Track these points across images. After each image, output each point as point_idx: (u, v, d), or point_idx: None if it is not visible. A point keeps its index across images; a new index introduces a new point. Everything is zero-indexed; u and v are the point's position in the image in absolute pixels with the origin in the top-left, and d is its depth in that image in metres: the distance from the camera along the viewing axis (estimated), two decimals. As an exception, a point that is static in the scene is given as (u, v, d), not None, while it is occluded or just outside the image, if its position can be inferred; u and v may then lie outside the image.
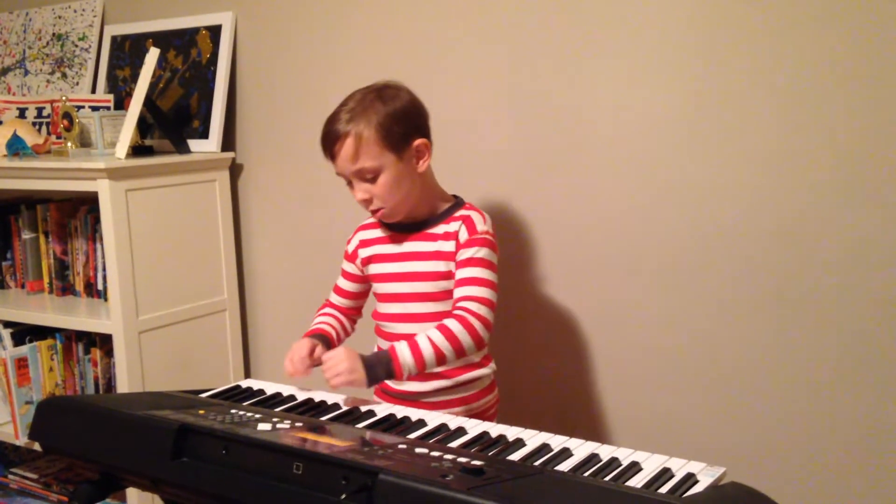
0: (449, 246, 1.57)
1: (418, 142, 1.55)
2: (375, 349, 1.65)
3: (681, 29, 1.75)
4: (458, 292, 1.53)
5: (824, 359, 1.69)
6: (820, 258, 1.67)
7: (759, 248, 1.72)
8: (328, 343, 1.63)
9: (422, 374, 1.49)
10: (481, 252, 1.55)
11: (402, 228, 1.62)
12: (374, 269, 1.65)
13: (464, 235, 1.56)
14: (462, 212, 1.60)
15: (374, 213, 1.58)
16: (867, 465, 1.67)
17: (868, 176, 1.61)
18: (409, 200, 1.58)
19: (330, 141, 1.54)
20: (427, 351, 1.45)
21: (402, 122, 1.53)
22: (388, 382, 1.64)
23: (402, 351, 1.46)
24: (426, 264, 1.59)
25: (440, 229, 1.59)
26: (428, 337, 1.46)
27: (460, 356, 1.48)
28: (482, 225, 1.58)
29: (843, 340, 1.67)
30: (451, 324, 1.47)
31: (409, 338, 1.49)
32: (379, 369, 1.45)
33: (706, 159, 1.75)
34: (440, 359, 1.47)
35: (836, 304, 1.66)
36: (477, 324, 1.48)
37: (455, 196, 1.66)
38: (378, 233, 1.66)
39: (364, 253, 1.67)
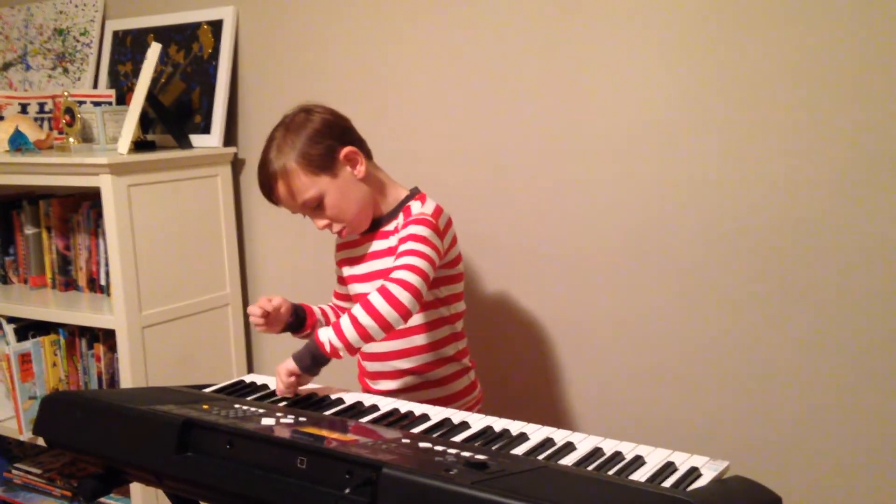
0: (394, 240, 1.57)
1: (344, 151, 1.55)
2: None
3: (690, 15, 1.74)
4: (393, 265, 1.49)
5: (831, 353, 1.69)
6: (828, 253, 1.66)
7: (766, 244, 1.72)
8: (303, 313, 1.65)
9: (352, 349, 1.43)
10: (415, 229, 1.52)
11: (366, 230, 1.64)
12: (345, 271, 1.68)
13: (402, 222, 1.57)
14: (405, 203, 1.60)
15: (339, 234, 1.60)
16: (872, 459, 1.67)
17: (882, 170, 1.60)
18: (364, 210, 1.59)
19: (266, 189, 1.57)
20: (349, 330, 1.41)
21: (319, 142, 1.54)
22: (368, 382, 1.68)
23: (329, 336, 1.43)
24: (382, 262, 1.59)
25: (391, 225, 1.60)
26: (351, 314, 1.43)
27: (386, 329, 1.42)
28: (420, 208, 1.57)
29: (850, 335, 1.66)
30: (373, 296, 1.42)
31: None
32: (306, 358, 1.43)
33: (714, 154, 1.75)
34: (363, 335, 1.41)
35: (844, 300, 1.66)
36: (399, 291, 1.41)
37: (410, 189, 1.65)
38: (349, 237, 1.66)
39: (338, 257, 1.70)
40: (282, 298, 1.60)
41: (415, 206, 1.58)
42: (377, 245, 1.61)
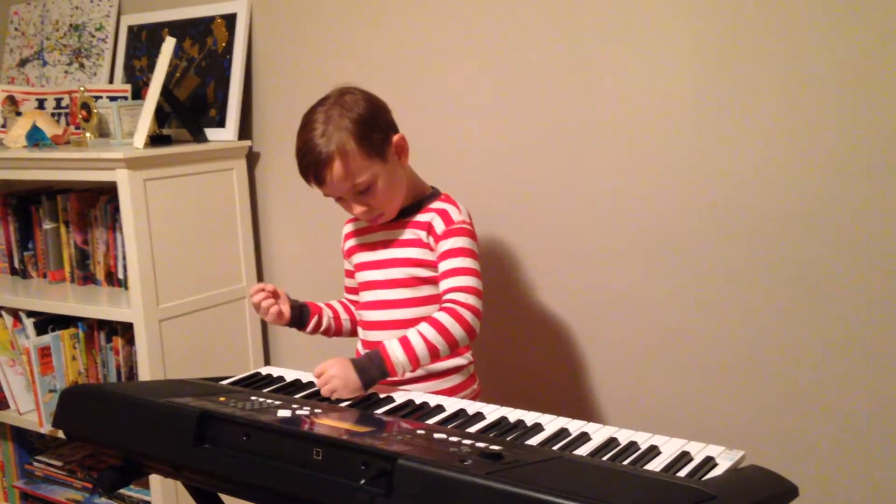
0: (423, 234, 1.57)
1: (396, 137, 1.55)
2: (358, 344, 1.67)
3: (703, 15, 1.73)
4: (444, 284, 1.51)
5: (847, 344, 1.68)
6: (837, 240, 1.65)
7: (777, 232, 1.71)
8: (305, 310, 1.66)
9: (417, 366, 1.46)
10: (460, 241, 1.53)
11: None
12: (357, 258, 1.66)
13: (440, 227, 1.55)
14: (438, 204, 1.59)
15: (373, 220, 1.58)
16: (888, 449, 1.66)
17: (887, 160, 1.59)
18: (402, 197, 1.58)
19: (316, 169, 1.49)
20: (419, 346, 1.44)
21: (374, 125, 1.52)
22: None
23: (394, 348, 1.44)
24: (399, 251, 1.59)
25: (416, 217, 1.59)
26: (419, 332, 1.45)
27: (453, 348, 1.46)
28: (458, 215, 1.57)
29: (863, 323, 1.65)
30: (441, 316, 1.45)
31: (384, 330, 1.50)
32: (373, 371, 1.43)
33: (719, 143, 1.74)
34: (433, 352, 1.45)
35: (854, 287, 1.65)
36: (467, 314, 1.46)
37: (432, 187, 1.66)
38: (362, 223, 1.65)
39: (349, 244, 1.69)
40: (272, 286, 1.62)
41: (452, 211, 1.57)
42: (396, 234, 1.60)
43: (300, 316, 1.66)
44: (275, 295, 1.62)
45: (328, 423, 1.18)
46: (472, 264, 1.52)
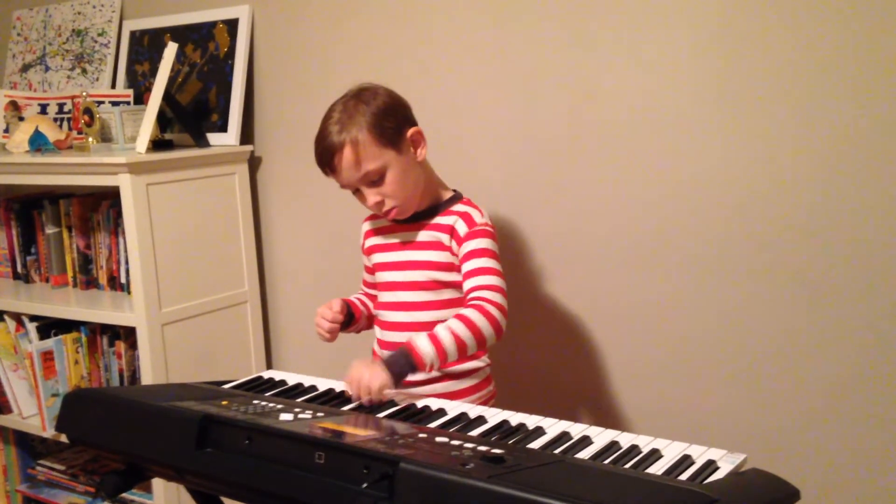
0: (445, 238, 1.58)
1: (411, 131, 1.57)
2: (374, 343, 1.68)
3: (702, 8, 1.74)
4: (469, 283, 1.52)
5: (848, 347, 1.68)
6: (845, 247, 1.65)
7: (783, 238, 1.71)
8: (351, 310, 1.67)
9: (446, 362, 1.45)
10: (483, 243, 1.55)
11: (406, 219, 1.63)
12: (376, 258, 1.67)
13: (462, 229, 1.56)
14: (460, 206, 1.60)
15: (387, 213, 1.59)
16: (891, 451, 1.66)
17: (892, 165, 1.59)
18: (417, 193, 1.59)
19: (328, 156, 1.53)
20: (447, 340, 1.43)
21: (391, 116, 1.54)
22: None
23: (421, 343, 1.43)
24: (421, 253, 1.60)
25: (438, 220, 1.60)
26: (448, 327, 1.45)
27: (481, 345, 1.47)
28: (480, 218, 1.58)
29: (867, 329, 1.65)
30: (470, 312, 1.46)
31: (413, 329, 1.49)
32: (402, 363, 1.41)
33: (728, 147, 1.74)
34: (461, 348, 1.44)
35: (860, 293, 1.65)
36: (494, 311, 1.47)
37: (454, 190, 1.67)
38: (381, 222, 1.67)
39: (368, 243, 1.69)
40: (338, 302, 1.63)
41: (475, 214, 1.59)
42: (418, 235, 1.61)
43: (347, 320, 1.67)
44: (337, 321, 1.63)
45: (330, 427, 1.18)
46: (495, 265, 1.54)
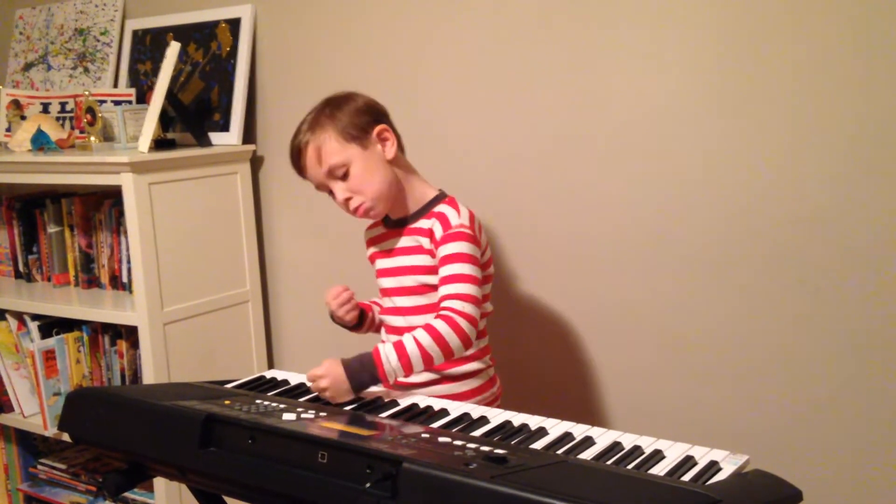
0: (425, 241, 1.57)
1: (378, 128, 1.58)
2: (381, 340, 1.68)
3: (703, 16, 1.74)
4: (442, 290, 1.51)
5: (852, 346, 1.68)
6: (845, 246, 1.65)
7: (784, 237, 1.71)
8: (363, 312, 1.69)
9: (410, 372, 1.45)
10: (457, 247, 1.52)
11: (394, 224, 1.64)
12: (377, 265, 1.69)
13: (438, 232, 1.55)
14: (439, 207, 1.59)
15: (356, 211, 1.59)
16: (893, 452, 1.66)
17: (894, 166, 1.59)
18: (387, 191, 1.58)
19: (296, 156, 1.59)
20: (413, 352, 1.43)
21: (357, 116, 1.58)
22: None
23: (388, 354, 1.43)
24: (407, 258, 1.60)
25: (419, 224, 1.60)
26: (414, 337, 1.44)
27: (448, 356, 1.46)
28: (456, 219, 1.56)
29: (869, 329, 1.65)
30: (438, 324, 1.45)
31: (399, 337, 1.48)
32: (364, 376, 1.43)
33: (728, 147, 1.74)
34: (427, 359, 1.44)
35: (860, 293, 1.65)
36: (463, 322, 1.45)
37: (439, 190, 1.66)
38: (379, 230, 1.68)
39: (369, 251, 1.71)
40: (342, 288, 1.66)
41: (451, 214, 1.56)
42: (404, 241, 1.61)
43: (359, 323, 1.69)
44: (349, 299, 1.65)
45: (333, 427, 1.19)
46: (469, 270, 1.51)
